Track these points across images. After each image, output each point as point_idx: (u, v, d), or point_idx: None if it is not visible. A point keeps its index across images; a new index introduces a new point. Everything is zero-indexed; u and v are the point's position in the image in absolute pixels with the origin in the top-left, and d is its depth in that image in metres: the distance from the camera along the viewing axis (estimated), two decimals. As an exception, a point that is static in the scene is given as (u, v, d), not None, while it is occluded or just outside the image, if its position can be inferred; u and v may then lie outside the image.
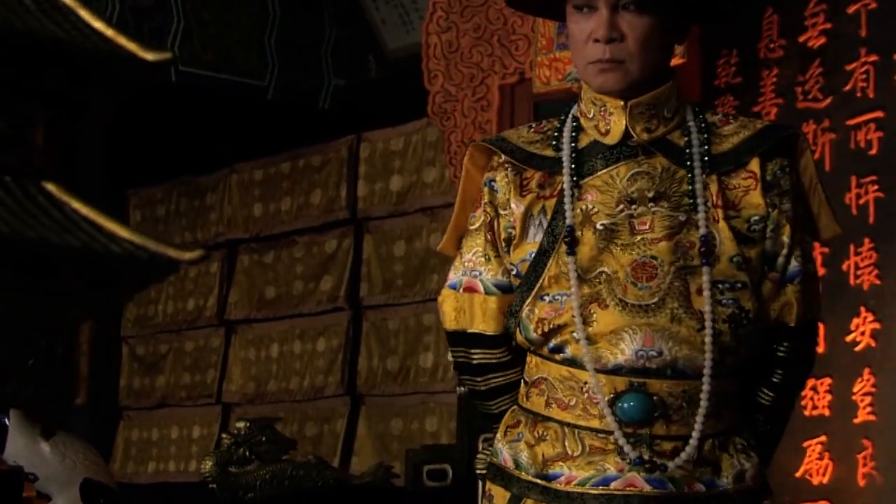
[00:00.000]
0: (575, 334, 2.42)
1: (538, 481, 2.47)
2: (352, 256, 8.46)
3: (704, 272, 2.39)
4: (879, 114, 4.77)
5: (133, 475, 9.45)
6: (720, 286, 2.40)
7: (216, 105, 9.30)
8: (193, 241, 9.07)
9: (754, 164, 2.47)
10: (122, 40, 1.41)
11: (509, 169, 2.56)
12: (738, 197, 2.46)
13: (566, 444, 2.46)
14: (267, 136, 8.85)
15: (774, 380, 2.54)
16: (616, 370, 2.41)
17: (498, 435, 2.58)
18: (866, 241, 4.74)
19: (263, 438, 4.07)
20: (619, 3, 2.42)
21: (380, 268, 8.28)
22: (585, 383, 2.43)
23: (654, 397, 2.40)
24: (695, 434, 2.39)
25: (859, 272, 4.76)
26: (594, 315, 2.42)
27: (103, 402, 9.30)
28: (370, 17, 8.21)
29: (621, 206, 2.45)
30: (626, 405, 2.40)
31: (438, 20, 5.94)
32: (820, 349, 4.74)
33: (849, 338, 4.73)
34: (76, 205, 1.40)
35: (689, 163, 2.46)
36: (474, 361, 2.62)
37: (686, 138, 2.48)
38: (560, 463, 2.45)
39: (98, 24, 1.40)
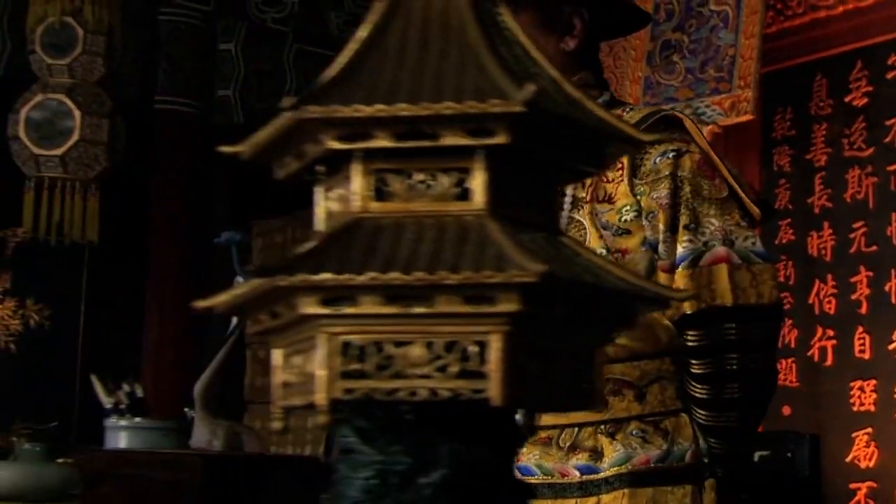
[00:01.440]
0: None
1: None
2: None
3: None
4: (916, 162, 4.96)
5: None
6: None
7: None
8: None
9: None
10: (609, 118, 1.51)
11: None
12: (614, 189, 2.17)
13: None
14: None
15: (694, 370, 2.15)
16: None
17: None
18: (905, 266, 4.93)
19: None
20: None
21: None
22: None
23: None
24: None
25: (899, 292, 4.94)
26: None
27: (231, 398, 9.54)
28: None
29: None
30: None
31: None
32: (866, 356, 4.95)
33: (891, 346, 4.92)
34: (587, 255, 1.50)
35: None
36: None
37: None
38: None
39: (600, 113, 1.51)
